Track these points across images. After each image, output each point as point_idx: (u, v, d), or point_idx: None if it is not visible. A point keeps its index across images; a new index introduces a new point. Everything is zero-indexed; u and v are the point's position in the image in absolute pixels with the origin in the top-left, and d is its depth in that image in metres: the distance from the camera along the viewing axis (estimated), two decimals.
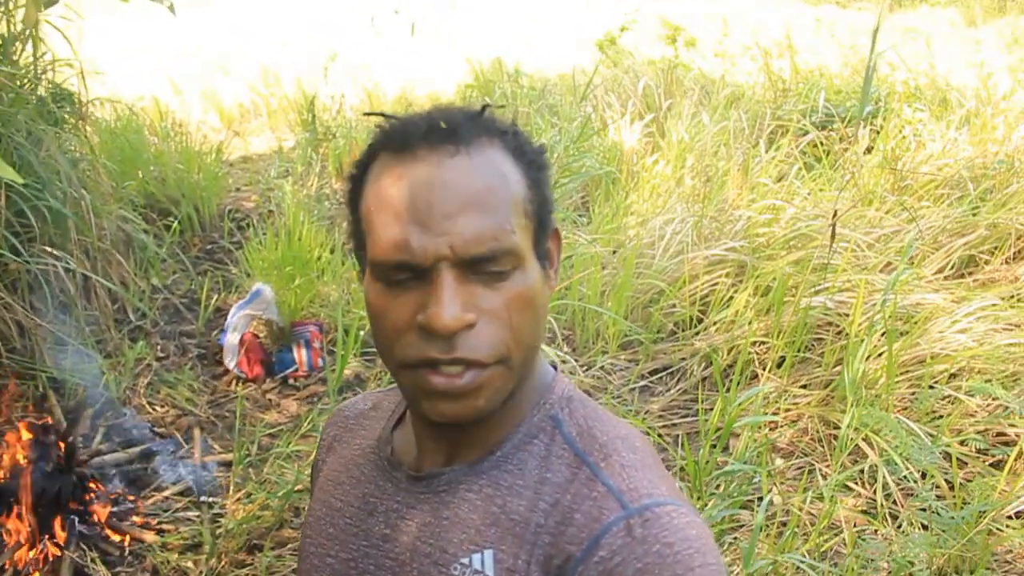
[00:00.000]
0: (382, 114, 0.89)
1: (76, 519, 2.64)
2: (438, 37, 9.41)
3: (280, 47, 9.14)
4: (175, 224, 4.45)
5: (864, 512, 2.80)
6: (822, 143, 5.04)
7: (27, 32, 3.74)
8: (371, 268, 0.83)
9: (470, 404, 0.82)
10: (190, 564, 2.58)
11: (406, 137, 0.82)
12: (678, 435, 3.25)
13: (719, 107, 5.92)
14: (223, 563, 2.55)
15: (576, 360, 3.58)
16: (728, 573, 0.97)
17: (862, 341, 3.16)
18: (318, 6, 11.71)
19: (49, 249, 3.38)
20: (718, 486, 2.75)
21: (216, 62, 8.84)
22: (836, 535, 2.68)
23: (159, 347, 3.62)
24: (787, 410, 3.26)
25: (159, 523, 2.74)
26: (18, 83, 3.70)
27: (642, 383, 3.56)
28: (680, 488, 0.97)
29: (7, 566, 2.49)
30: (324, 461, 1.09)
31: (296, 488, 2.70)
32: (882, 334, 3.23)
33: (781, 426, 3.18)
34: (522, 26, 10.56)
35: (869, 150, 5.06)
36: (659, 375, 3.62)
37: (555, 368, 0.96)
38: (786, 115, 5.59)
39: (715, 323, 3.72)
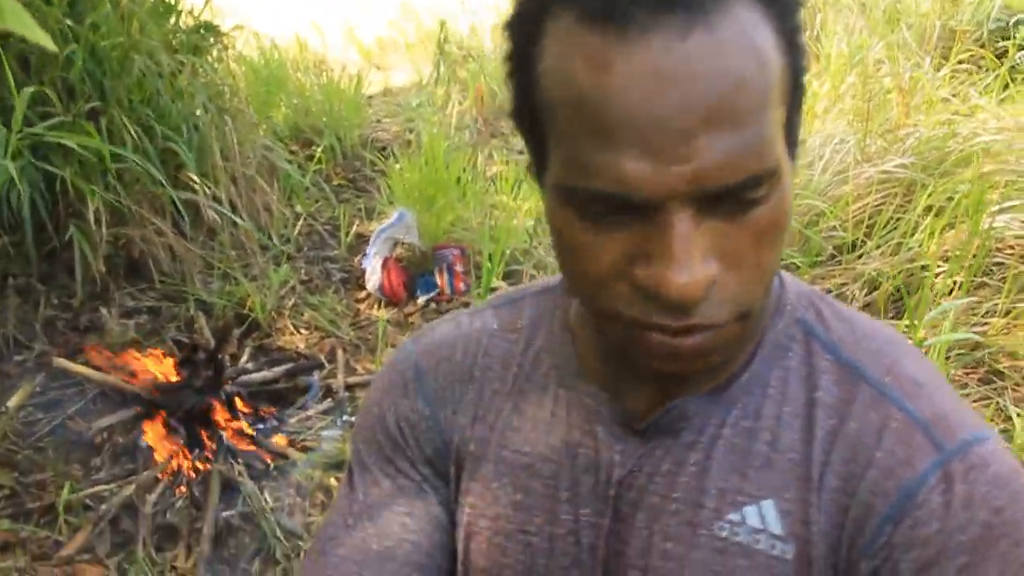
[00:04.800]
0: None
1: (223, 434, 2.67)
2: None
3: None
4: (318, 153, 4.46)
5: None
6: (999, 55, 4.57)
7: None
8: (560, 191, 0.59)
9: (699, 363, 0.61)
10: (332, 481, 2.57)
11: None
12: None
13: (880, 21, 5.47)
14: None
15: None
16: None
17: None
18: None
19: (195, 177, 3.42)
20: None
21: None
22: None
23: (303, 271, 3.63)
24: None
25: (302, 440, 2.75)
26: (160, 12, 3.74)
27: None
28: None
29: (160, 478, 2.55)
30: (449, 404, 0.79)
31: None
32: None
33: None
34: None
35: None
36: None
37: None
38: (959, 25, 5.10)
39: (879, 246, 3.44)
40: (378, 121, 5.60)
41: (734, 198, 0.55)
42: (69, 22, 3.02)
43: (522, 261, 3.54)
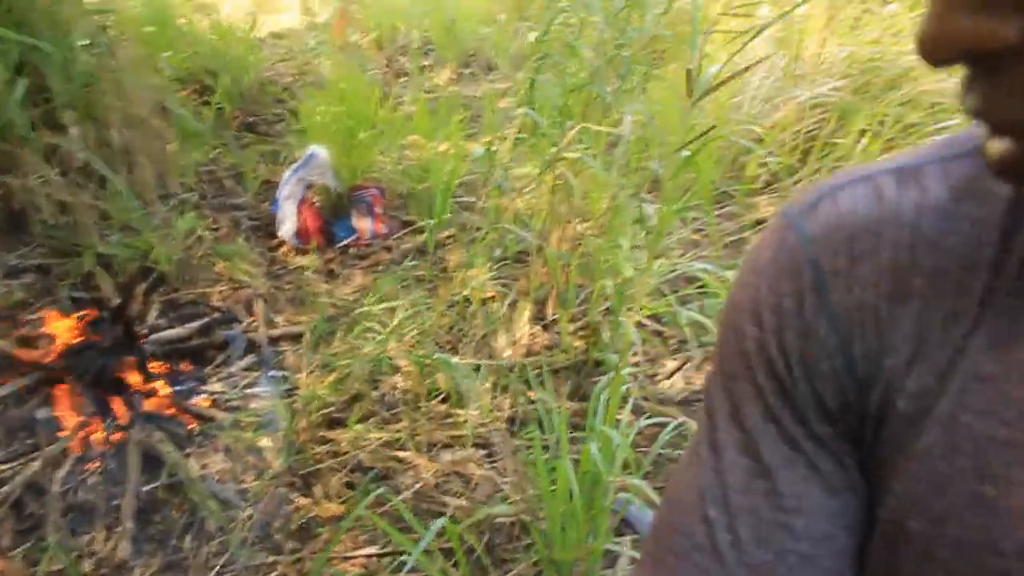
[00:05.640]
0: None
1: (139, 399, 2.40)
2: None
3: None
4: (215, 97, 4.11)
5: None
6: None
7: None
8: None
9: None
10: (266, 442, 2.33)
11: None
12: None
13: None
14: (302, 439, 2.30)
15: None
16: None
17: None
18: None
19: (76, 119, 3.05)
20: None
21: None
22: None
23: (210, 219, 3.33)
24: None
25: (227, 400, 2.49)
26: None
27: (736, 238, 3.23)
28: None
29: (68, 452, 2.26)
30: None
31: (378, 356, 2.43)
32: None
33: None
34: None
35: None
36: (759, 229, 3.29)
37: None
38: None
39: (816, 171, 3.36)
40: (273, 65, 5.24)
41: None
42: None
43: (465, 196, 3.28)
